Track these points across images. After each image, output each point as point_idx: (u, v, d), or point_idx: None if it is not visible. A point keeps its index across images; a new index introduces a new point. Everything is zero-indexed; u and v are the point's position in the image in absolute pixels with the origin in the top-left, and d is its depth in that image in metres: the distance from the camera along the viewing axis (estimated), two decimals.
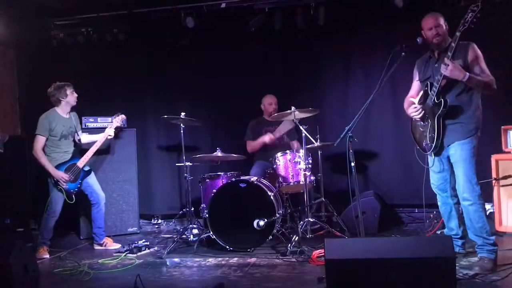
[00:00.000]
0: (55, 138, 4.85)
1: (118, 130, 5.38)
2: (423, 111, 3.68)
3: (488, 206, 4.65)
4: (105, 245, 5.10)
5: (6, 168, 5.66)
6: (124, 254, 4.67)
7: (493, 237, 3.64)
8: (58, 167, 4.82)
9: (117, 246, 5.07)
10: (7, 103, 6.46)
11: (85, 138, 5.20)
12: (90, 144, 5.08)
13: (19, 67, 6.60)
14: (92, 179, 5.09)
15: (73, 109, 5.07)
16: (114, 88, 6.50)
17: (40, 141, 4.80)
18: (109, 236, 5.28)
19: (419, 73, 3.90)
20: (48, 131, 4.81)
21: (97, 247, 5.12)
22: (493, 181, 4.72)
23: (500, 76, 3.75)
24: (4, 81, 6.44)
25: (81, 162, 4.93)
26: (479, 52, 3.59)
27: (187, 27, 5.96)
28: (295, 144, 5.71)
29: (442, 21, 3.66)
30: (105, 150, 5.66)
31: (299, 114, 4.81)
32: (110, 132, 5.11)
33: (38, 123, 4.83)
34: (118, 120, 5.20)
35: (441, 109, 3.53)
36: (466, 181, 3.58)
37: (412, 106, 3.77)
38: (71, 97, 4.93)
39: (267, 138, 5.55)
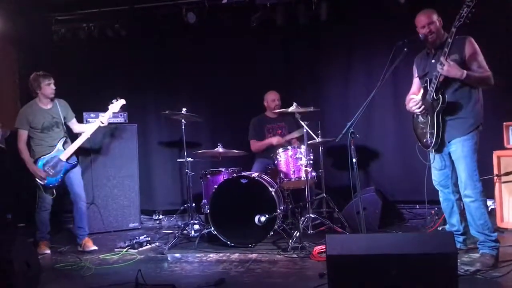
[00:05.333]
0: (36, 131, 4.71)
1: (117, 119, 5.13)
2: (424, 106, 3.67)
3: (489, 203, 4.64)
4: (82, 247, 4.79)
5: (8, 164, 5.66)
6: (125, 249, 4.68)
7: (495, 234, 3.63)
8: (37, 161, 4.69)
9: (93, 247, 4.76)
10: (8, 99, 6.46)
11: (78, 128, 4.99)
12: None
13: (20, 63, 6.59)
14: (74, 175, 4.84)
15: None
16: (115, 83, 6.46)
17: (21, 135, 4.68)
18: (108, 232, 5.18)
19: (418, 69, 3.90)
20: (26, 124, 4.67)
21: (78, 247, 4.85)
22: (495, 178, 4.72)
23: (501, 72, 3.73)
24: (5, 76, 6.44)
25: (64, 155, 4.73)
26: (476, 46, 3.57)
27: (188, 22, 5.96)
28: (290, 136, 5.67)
29: (435, 17, 3.63)
30: (106, 146, 5.66)
31: (300, 110, 4.80)
32: (102, 120, 4.86)
33: (17, 118, 4.72)
34: (116, 105, 4.94)
35: (439, 105, 3.52)
36: (468, 178, 3.56)
37: (412, 100, 3.76)
38: (46, 89, 4.70)
39: (275, 140, 5.50)
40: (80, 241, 4.85)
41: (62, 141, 4.81)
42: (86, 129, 4.88)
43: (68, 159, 4.76)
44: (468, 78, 3.45)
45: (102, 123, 4.87)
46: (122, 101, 5.00)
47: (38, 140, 4.74)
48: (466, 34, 3.58)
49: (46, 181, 4.70)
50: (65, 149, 4.77)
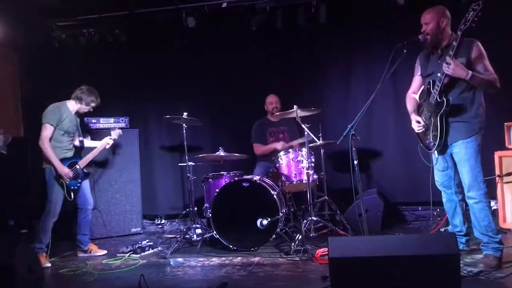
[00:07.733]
0: (60, 132, 4.58)
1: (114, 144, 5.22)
2: (425, 125, 3.70)
3: (491, 203, 4.63)
4: (89, 252, 4.82)
5: (9, 169, 5.66)
6: (127, 254, 4.67)
7: (499, 236, 3.61)
8: (61, 162, 4.56)
9: (103, 252, 4.86)
10: (9, 105, 6.48)
11: (87, 142, 5.01)
12: (90, 149, 4.93)
13: (21, 69, 6.62)
14: (86, 184, 4.85)
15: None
16: (116, 89, 6.49)
17: (48, 130, 4.49)
18: (111, 237, 5.18)
19: (421, 68, 3.87)
20: (57, 122, 4.53)
21: (81, 254, 4.83)
22: (497, 178, 4.71)
23: (503, 73, 3.73)
24: (6, 82, 6.46)
25: (82, 162, 4.73)
26: (483, 49, 3.56)
27: (188, 27, 5.97)
28: (295, 142, 5.69)
29: (434, 17, 3.59)
30: (107, 151, 5.65)
31: (301, 113, 4.81)
32: (109, 141, 4.99)
33: (48, 112, 4.55)
34: (116, 134, 5.07)
35: (443, 108, 3.51)
36: (472, 179, 3.55)
37: (416, 120, 3.75)
38: (84, 109, 4.76)
39: (279, 145, 5.51)
40: (86, 247, 4.83)
41: (76, 149, 4.80)
42: (94, 145, 4.98)
43: (84, 167, 4.76)
44: (473, 78, 3.43)
45: (108, 144, 4.99)
46: (119, 132, 5.13)
47: (56, 141, 4.59)
48: (472, 37, 3.55)
49: (68, 183, 4.59)
50: (81, 157, 4.79)
